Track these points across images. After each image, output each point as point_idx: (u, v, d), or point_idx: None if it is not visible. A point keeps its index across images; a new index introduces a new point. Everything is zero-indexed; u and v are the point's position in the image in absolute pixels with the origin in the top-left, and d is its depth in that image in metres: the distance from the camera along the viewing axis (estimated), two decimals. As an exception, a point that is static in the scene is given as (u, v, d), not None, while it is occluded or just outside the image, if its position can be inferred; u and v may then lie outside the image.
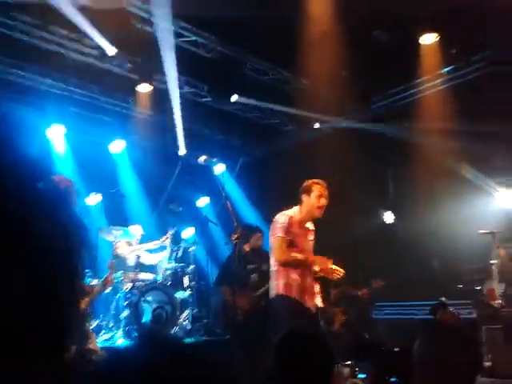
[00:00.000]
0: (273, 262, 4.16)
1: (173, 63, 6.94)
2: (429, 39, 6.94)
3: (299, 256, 4.03)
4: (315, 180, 4.26)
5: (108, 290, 5.93)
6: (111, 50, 6.70)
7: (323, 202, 4.13)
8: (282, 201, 4.41)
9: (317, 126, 8.78)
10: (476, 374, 2.07)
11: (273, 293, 4.11)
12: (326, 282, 5.11)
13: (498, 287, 5.66)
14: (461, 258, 6.71)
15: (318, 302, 4.16)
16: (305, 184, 4.26)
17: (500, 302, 5.60)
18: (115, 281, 6.06)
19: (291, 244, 4.08)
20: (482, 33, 6.43)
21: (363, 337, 5.75)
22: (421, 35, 6.91)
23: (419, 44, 7.01)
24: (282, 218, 4.12)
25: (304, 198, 4.20)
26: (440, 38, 6.86)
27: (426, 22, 6.63)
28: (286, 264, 4.03)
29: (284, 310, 4.00)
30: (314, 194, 4.14)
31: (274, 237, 4.07)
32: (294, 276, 4.03)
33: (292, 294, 4.00)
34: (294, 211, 4.20)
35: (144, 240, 6.92)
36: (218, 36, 7.01)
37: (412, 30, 6.77)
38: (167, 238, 6.81)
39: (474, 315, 5.75)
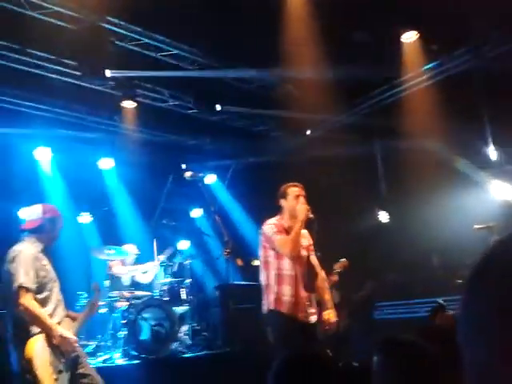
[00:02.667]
0: (263, 276, 4.07)
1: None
2: (410, 37, 6.93)
3: (292, 233, 3.92)
4: (289, 183, 4.20)
5: (103, 311, 5.90)
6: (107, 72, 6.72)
7: (302, 201, 4.05)
8: (274, 206, 4.36)
9: (308, 132, 8.75)
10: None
11: (264, 309, 4.02)
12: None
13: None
14: (460, 253, 6.67)
15: (313, 316, 4.01)
16: (280, 189, 4.20)
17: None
18: (109, 300, 6.03)
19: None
20: (463, 27, 6.43)
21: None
22: (402, 33, 6.91)
23: (401, 42, 7.01)
24: (268, 227, 4.07)
25: (282, 202, 4.15)
26: (420, 35, 6.85)
27: (406, 20, 6.64)
28: (296, 248, 3.91)
29: (275, 327, 3.91)
30: (290, 197, 4.09)
31: (273, 242, 3.98)
32: (286, 288, 3.92)
33: (283, 309, 3.89)
34: (275, 219, 4.15)
35: (140, 259, 6.85)
36: (198, 48, 6.99)
37: (393, 28, 6.78)
38: (164, 256, 6.77)
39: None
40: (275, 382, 1.56)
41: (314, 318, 4.01)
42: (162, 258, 6.76)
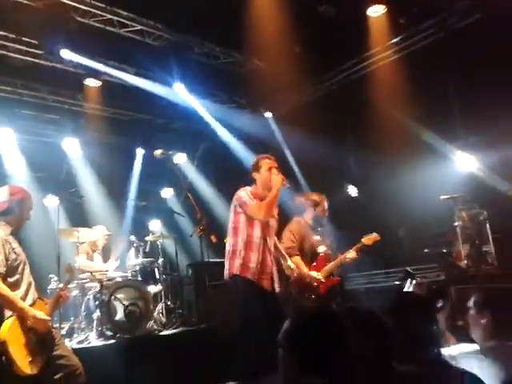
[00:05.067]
0: (230, 241, 4.08)
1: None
2: (377, 11, 6.94)
3: (268, 198, 3.96)
4: (262, 155, 4.23)
5: (75, 293, 5.82)
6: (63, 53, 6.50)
7: (275, 173, 4.09)
8: (245, 183, 4.35)
9: (268, 114, 8.72)
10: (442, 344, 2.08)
11: (226, 273, 4.03)
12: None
13: (463, 249, 5.80)
14: (426, 223, 6.84)
15: (277, 284, 4.07)
16: (253, 161, 4.23)
17: (466, 262, 5.75)
18: (80, 282, 5.95)
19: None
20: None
21: None
22: (368, 7, 6.91)
23: (367, 16, 7.02)
24: (242, 192, 4.09)
25: (255, 175, 4.17)
26: (388, 9, 6.87)
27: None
28: (270, 213, 3.97)
29: (239, 292, 3.95)
30: (263, 169, 4.12)
31: (247, 207, 3.99)
32: (253, 256, 3.95)
33: (248, 275, 3.92)
34: (250, 188, 4.16)
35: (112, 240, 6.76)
36: (163, 23, 6.82)
37: (359, 2, 6.78)
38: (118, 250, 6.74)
39: (443, 277, 5.89)
40: (288, 340, 1.55)
41: (277, 287, 4.08)
42: (117, 254, 6.72)
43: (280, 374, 1.54)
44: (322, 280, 5.01)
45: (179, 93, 8.07)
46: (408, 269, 5.00)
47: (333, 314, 1.60)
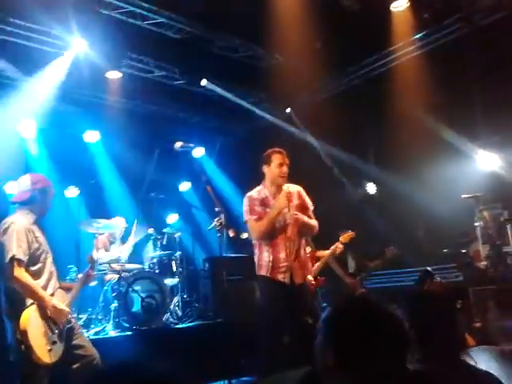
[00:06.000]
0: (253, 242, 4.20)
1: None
2: (400, 5, 6.84)
3: (264, 220, 3.97)
4: (275, 149, 4.17)
5: (93, 284, 5.88)
6: (81, 44, 6.54)
7: (285, 169, 4.06)
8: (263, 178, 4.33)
9: (288, 110, 8.65)
10: (462, 345, 2.04)
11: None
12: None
13: (483, 249, 5.73)
14: (445, 223, 6.75)
15: (298, 276, 4.04)
16: (264, 154, 4.18)
17: (485, 263, 5.67)
18: (99, 273, 6.01)
19: (260, 219, 4.05)
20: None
21: None
22: (391, 2, 6.82)
23: (390, 11, 6.93)
24: (244, 201, 4.14)
25: (265, 168, 4.15)
26: (411, 4, 6.77)
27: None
28: (265, 234, 3.98)
29: (259, 288, 4.16)
30: (274, 164, 4.08)
31: (246, 222, 4.11)
32: (265, 255, 4.03)
33: (262, 272, 4.03)
34: (256, 190, 4.18)
35: (128, 232, 6.81)
36: (184, 16, 6.82)
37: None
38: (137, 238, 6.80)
39: (461, 278, 5.81)
40: (329, 328, 1.54)
41: (299, 280, 4.03)
42: (136, 239, 6.77)
43: (317, 363, 1.53)
44: (313, 282, 4.99)
45: (199, 86, 8.09)
46: (428, 268, 4.96)
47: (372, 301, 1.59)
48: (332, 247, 5.45)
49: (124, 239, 6.86)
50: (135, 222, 6.82)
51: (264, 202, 4.08)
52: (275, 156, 4.10)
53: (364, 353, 1.41)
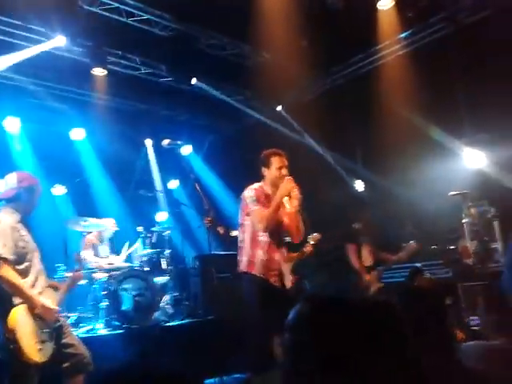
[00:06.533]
0: (239, 237, 4.07)
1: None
2: (385, 4, 6.88)
3: (270, 209, 3.88)
4: (273, 150, 4.08)
5: (82, 282, 5.82)
6: (61, 40, 6.46)
7: (284, 172, 3.98)
8: (252, 177, 4.31)
9: (279, 108, 8.65)
10: (452, 340, 2.05)
11: (237, 269, 4.04)
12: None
13: (471, 245, 5.79)
14: (433, 220, 6.81)
15: (288, 280, 4.03)
16: (262, 156, 4.08)
17: (473, 259, 5.74)
18: (88, 272, 5.96)
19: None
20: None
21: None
22: (377, 0, 6.85)
23: (376, 9, 6.96)
24: (247, 192, 4.01)
25: (264, 171, 4.06)
26: (396, 3, 6.81)
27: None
28: (271, 221, 3.87)
29: (247, 289, 3.95)
30: (273, 166, 4.00)
31: (251, 211, 3.95)
32: (259, 252, 3.93)
33: (254, 271, 3.91)
34: (258, 185, 4.09)
35: (118, 234, 6.76)
36: (170, 13, 6.78)
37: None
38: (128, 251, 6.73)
39: (450, 274, 5.87)
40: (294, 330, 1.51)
41: (288, 283, 4.03)
42: (127, 252, 6.71)
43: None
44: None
45: (186, 84, 8.06)
46: (417, 265, 5.01)
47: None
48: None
49: (117, 246, 6.80)
50: (127, 244, 6.78)
51: (266, 198, 4.00)
52: (274, 159, 4.02)
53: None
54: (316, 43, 6.86)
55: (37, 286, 3.41)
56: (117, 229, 6.64)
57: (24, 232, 3.45)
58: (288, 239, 4.44)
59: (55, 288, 3.58)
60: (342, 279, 6.15)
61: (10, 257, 3.24)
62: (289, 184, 3.84)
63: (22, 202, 3.52)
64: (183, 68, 7.88)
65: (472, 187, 6.18)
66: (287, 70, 7.56)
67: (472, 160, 6.75)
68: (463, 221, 5.91)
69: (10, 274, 3.21)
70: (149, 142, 8.88)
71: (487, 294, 4.96)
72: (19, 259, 3.33)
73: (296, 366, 1.39)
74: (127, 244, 6.75)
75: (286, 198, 4.00)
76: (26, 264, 3.38)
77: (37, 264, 3.49)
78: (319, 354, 1.34)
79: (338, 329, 1.40)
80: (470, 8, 6.67)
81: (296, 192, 3.85)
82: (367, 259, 5.86)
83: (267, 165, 4.03)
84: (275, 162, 4.01)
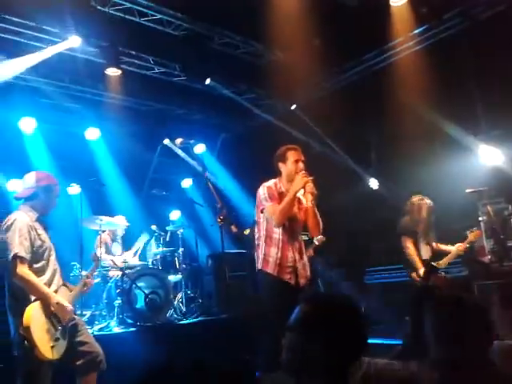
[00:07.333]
0: (257, 235, 4.07)
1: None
2: (399, 0, 6.80)
3: (283, 203, 3.85)
4: (289, 146, 4.10)
5: (96, 280, 5.88)
6: (75, 41, 6.51)
7: (301, 166, 3.98)
8: (265, 174, 4.30)
9: (293, 107, 8.61)
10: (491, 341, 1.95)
11: (256, 267, 4.04)
12: None
13: (487, 243, 5.71)
14: (449, 217, 6.72)
15: (302, 278, 3.97)
16: (279, 152, 4.09)
17: (489, 257, 5.66)
18: (102, 270, 6.02)
19: None
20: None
21: None
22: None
23: (390, 6, 6.89)
24: (262, 189, 4.02)
25: (281, 166, 4.07)
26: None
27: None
28: (285, 216, 3.86)
29: (262, 286, 3.97)
30: (289, 161, 4.01)
31: (264, 208, 3.95)
32: (273, 250, 3.93)
33: (268, 269, 3.90)
34: (273, 182, 4.08)
35: (129, 230, 6.81)
36: (183, 12, 6.80)
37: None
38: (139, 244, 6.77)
39: (465, 273, 5.80)
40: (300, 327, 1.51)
41: (303, 281, 3.98)
42: (138, 245, 6.76)
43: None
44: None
45: (199, 83, 8.08)
46: (432, 263, 4.94)
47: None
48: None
49: (128, 244, 6.86)
50: (143, 235, 6.83)
51: (280, 196, 3.98)
52: (290, 153, 4.03)
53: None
54: (329, 41, 6.82)
55: (53, 284, 3.45)
56: (128, 224, 6.69)
57: (41, 231, 3.49)
58: (304, 237, 4.45)
59: (69, 289, 3.62)
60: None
61: (27, 255, 3.29)
62: (304, 178, 3.82)
63: (40, 201, 3.56)
64: (196, 67, 7.88)
65: (488, 184, 6.09)
66: (301, 68, 7.54)
67: (488, 157, 6.66)
68: (479, 219, 5.84)
69: (26, 272, 3.26)
70: (162, 141, 8.87)
71: (503, 293, 4.89)
72: (36, 258, 3.38)
73: (296, 366, 1.40)
74: (141, 237, 6.80)
75: (301, 193, 3.98)
76: (42, 262, 3.43)
77: (53, 262, 3.53)
78: (319, 353, 1.35)
79: (338, 328, 1.41)
80: (485, 3, 6.57)
81: (311, 186, 3.82)
82: (424, 252, 5.48)
83: (283, 159, 4.04)
84: (291, 155, 4.02)
